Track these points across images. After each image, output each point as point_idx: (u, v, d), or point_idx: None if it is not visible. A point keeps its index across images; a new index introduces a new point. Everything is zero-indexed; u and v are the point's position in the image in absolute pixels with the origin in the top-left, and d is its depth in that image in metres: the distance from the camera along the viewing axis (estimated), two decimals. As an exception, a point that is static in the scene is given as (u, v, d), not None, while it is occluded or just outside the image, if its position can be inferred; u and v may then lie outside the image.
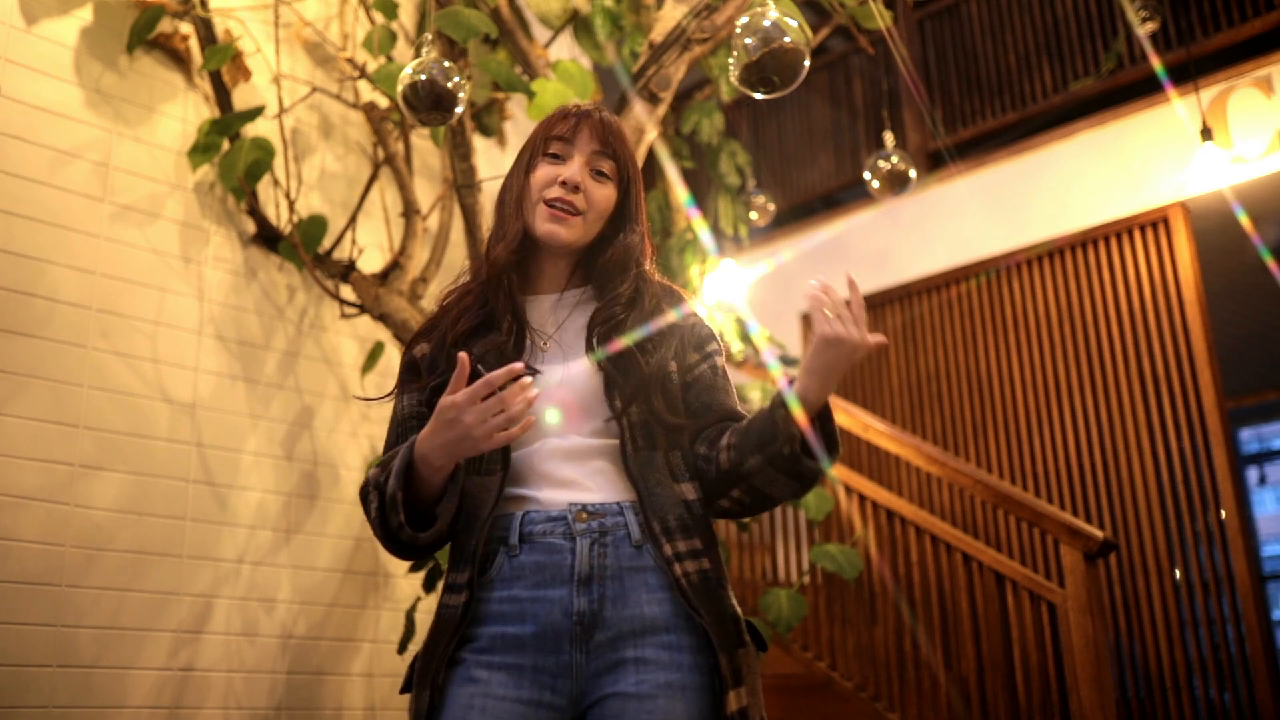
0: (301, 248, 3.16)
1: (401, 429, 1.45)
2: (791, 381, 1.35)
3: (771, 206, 4.68)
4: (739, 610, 1.37)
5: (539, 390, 1.34)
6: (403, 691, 1.40)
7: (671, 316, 1.47)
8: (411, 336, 1.52)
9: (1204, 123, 4.32)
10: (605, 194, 1.46)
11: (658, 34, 2.79)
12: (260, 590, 3.11)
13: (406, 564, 3.40)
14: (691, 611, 1.32)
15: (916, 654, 3.48)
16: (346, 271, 3.31)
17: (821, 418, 1.33)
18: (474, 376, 1.33)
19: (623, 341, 1.40)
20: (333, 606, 3.26)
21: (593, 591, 1.31)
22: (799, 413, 1.31)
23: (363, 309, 3.21)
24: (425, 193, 3.76)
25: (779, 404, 1.31)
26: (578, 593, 1.31)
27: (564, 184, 1.43)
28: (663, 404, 1.40)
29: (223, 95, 3.27)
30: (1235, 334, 6.13)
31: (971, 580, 3.48)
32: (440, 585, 3.07)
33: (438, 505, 1.36)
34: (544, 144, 1.47)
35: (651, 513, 1.35)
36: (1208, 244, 4.76)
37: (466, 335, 1.43)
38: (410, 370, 1.48)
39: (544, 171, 1.46)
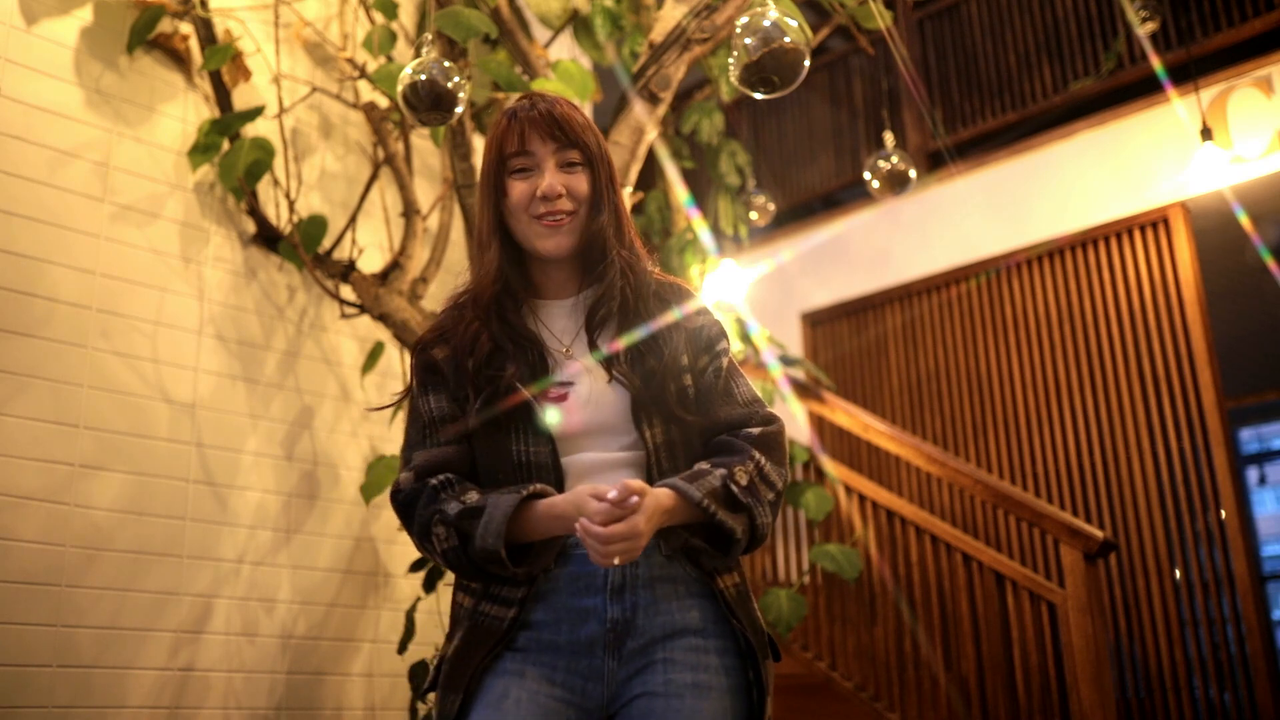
0: (301, 248, 3.16)
1: (430, 431, 1.41)
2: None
3: (771, 206, 4.68)
4: (763, 623, 1.41)
5: (558, 403, 1.37)
6: (426, 691, 1.41)
7: (674, 317, 1.45)
8: (421, 340, 1.47)
9: (1204, 123, 4.32)
10: (586, 181, 1.43)
11: (658, 34, 2.79)
12: (260, 590, 3.11)
13: (407, 564, 3.40)
14: (734, 621, 1.35)
15: (916, 654, 3.47)
16: (346, 271, 3.31)
17: (708, 513, 1.31)
18: (507, 390, 1.36)
19: (627, 341, 1.40)
20: (333, 606, 3.26)
21: (625, 600, 1.33)
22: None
23: (363, 309, 3.21)
24: (425, 193, 3.76)
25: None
26: (611, 600, 1.33)
27: (544, 198, 1.40)
28: (680, 418, 1.40)
29: (223, 95, 3.27)
30: (1235, 334, 6.13)
31: (971, 580, 3.48)
32: (445, 585, 3.06)
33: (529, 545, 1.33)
34: (504, 163, 1.43)
35: (684, 529, 1.36)
36: (1208, 244, 4.76)
37: (485, 362, 1.39)
38: (430, 370, 1.43)
39: (519, 190, 1.41)
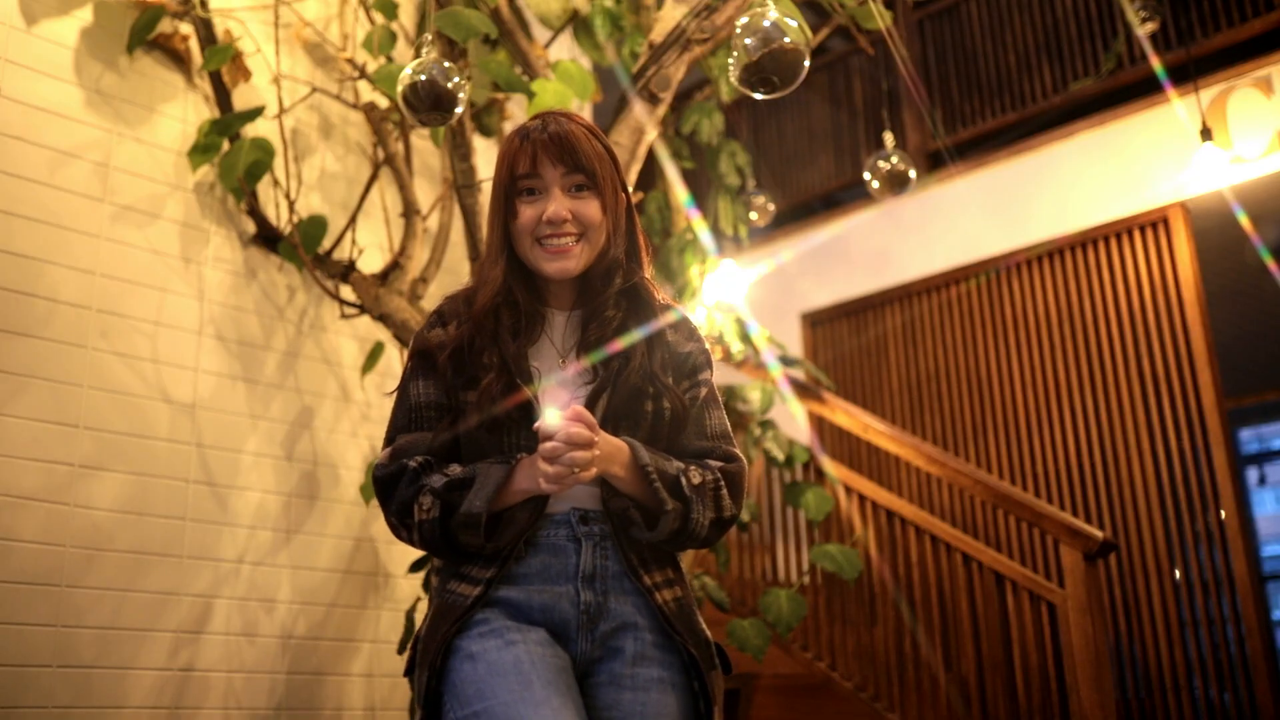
0: (301, 248, 3.16)
1: (416, 415, 1.45)
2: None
3: (771, 206, 4.67)
4: (709, 634, 1.44)
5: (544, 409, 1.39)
6: (408, 673, 1.42)
7: (665, 339, 1.49)
8: (425, 324, 1.50)
9: (1204, 123, 4.32)
10: (595, 206, 1.46)
11: (658, 34, 2.79)
12: (260, 590, 3.11)
13: (407, 564, 3.40)
14: (675, 635, 1.38)
15: (916, 654, 3.47)
16: (346, 272, 3.31)
17: (647, 482, 1.37)
18: (506, 388, 1.41)
19: (608, 354, 1.45)
20: (333, 606, 3.26)
21: (596, 586, 1.38)
22: (622, 489, 1.39)
23: (363, 309, 3.21)
24: (425, 193, 3.76)
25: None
26: (582, 587, 1.37)
27: (550, 222, 1.43)
28: (649, 437, 1.44)
29: (223, 95, 3.27)
30: (1235, 334, 6.13)
31: (971, 580, 3.48)
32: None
33: (501, 513, 1.38)
34: (514, 184, 1.45)
35: (627, 546, 1.40)
36: (1207, 244, 4.76)
37: (472, 361, 1.43)
38: (425, 357, 1.47)
39: (526, 214, 1.44)
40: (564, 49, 4.11)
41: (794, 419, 4.21)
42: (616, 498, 1.38)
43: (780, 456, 3.63)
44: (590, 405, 1.41)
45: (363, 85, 3.63)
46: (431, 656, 1.34)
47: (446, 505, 1.35)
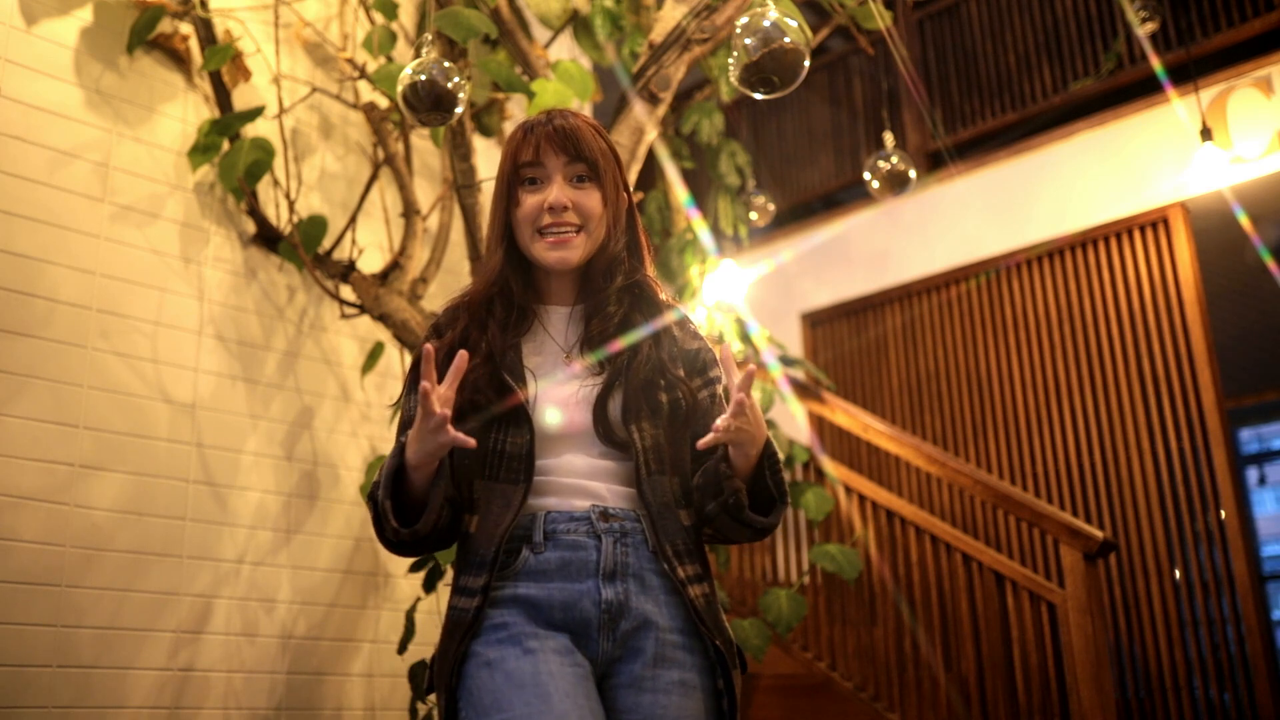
0: (301, 248, 3.16)
1: (403, 429, 1.46)
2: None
3: (771, 206, 4.68)
4: (732, 633, 1.44)
5: (552, 403, 1.39)
6: (429, 692, 1.42)
7: (672, 333, 1.50)
8: (424, 337, 1.52)
9: (1204, 123, 4.32)
10: (596, 198, 1.46)
11: (658, 34, 2.79)
12: (260, 590, 3.11)
13: (407, 564, 3.40)
14: (705, 632, 1.37)
15: (916, 654, 3.48)
16: (346, 272, 3.31)
17: (769, 469, 1.39)
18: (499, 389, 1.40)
19: (621, 347, 1.44)
20: (333, 606, 3.26)
21: (617, 584, 1.36)
22: (739, 468, 1.38)
23: (363, 309, 3.21)
24: (425, 193, 3.76)
25: (722, 458, 1.38)
26: (604, 584, 1.35)
27: (551, 209, 1.43)
28: (669, 426, 1.44)
29: (223, 95, 3.27)
30: (1235, 334, 6.13)
31: (971, 580, 3.48)
32: (445, 585, 3.07)
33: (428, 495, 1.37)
34: (516, 173, 1.46)
35: (663, 536, 1.39)
36: (1207, 244, 4.76)
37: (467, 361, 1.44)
38: (417, 369, 1.47)
39: (529, 202, 1.45)
40: (564, 49, 4.12)
41: (794, 419, 4.22)
42: (731, 479, 1.38)
43: (780, 456, 3.63)
44: (604, 398, 1.40)
45: (363, 85, 3.63)
46: (446, 678, 1.33)
47: (376, 504, 1.36)
